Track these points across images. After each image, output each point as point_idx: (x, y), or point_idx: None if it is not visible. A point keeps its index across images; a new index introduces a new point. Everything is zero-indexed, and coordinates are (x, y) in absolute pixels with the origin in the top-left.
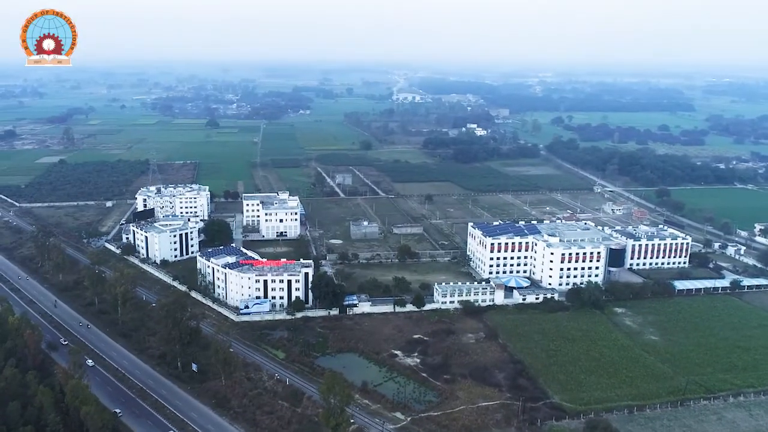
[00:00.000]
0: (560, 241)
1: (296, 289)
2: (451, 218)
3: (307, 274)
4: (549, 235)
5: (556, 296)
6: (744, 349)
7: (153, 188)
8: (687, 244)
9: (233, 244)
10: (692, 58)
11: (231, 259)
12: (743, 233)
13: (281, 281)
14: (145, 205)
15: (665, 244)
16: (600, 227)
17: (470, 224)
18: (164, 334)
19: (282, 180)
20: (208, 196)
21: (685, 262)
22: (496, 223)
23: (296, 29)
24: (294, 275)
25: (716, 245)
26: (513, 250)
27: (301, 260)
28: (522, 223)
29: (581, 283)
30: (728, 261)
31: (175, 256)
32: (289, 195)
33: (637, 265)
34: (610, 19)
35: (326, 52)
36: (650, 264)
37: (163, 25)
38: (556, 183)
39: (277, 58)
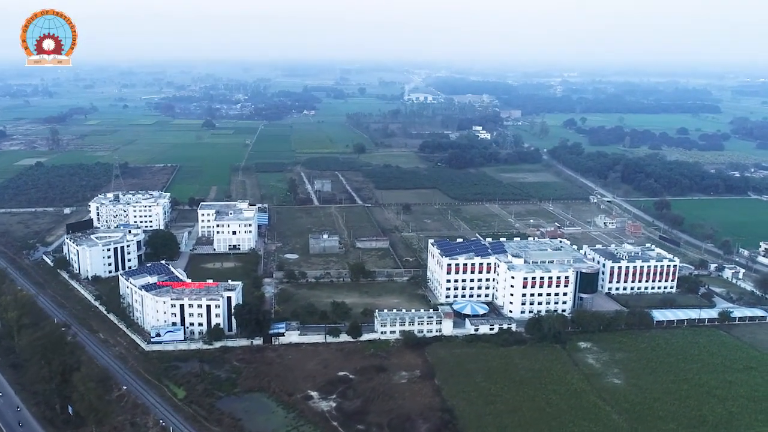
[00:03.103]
0: (525, 262)
1: (216, 315)
2: (425, 231)
3: (229, 298)
4: (513, 256)
5: (513, 327)
6: (720, 398)
7: (110, 195)
8: (674, 266)
9: (163, 262)
10: (729, 57)
11: (152, 280)
12: (746, 252)
13: (199, 306)
14: (98, 214)
15: (649, 267)
16: (575, 246)
17: (430, 241)
18: (34, 373)
19: (260, 186)
20: (167, 204)
21: (672, 287)
22: (459, 240)
23: (320, 28)
24: (214, 300)
25: (712, 266)
26: (473, 272)
27: (229, 281)
28: (488, 240)
29: (547, 311)
30: (724, 285)
31: (110, 272)
32: (258, 203)
33: (617, 289)
34: (644, 17)
35: (350, 51)
36: (632, 289)
37: (188, 25)
38: (550, 192)
39: (299, 58)
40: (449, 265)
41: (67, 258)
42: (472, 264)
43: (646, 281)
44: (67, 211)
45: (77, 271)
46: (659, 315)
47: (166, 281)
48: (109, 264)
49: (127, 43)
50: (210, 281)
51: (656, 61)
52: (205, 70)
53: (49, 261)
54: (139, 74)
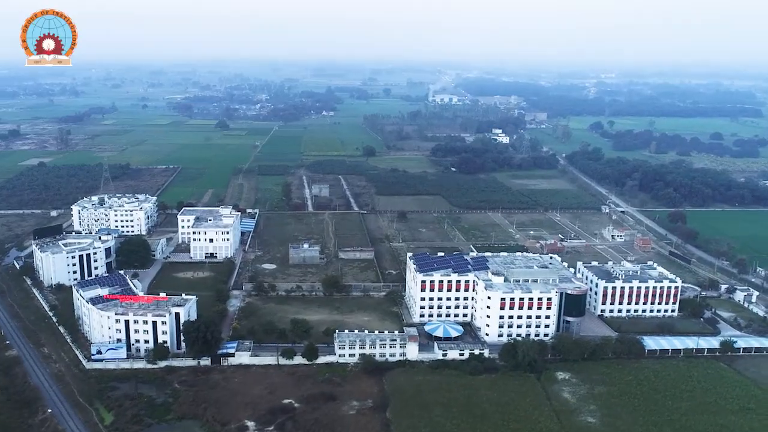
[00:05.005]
0: (505, 280)
1: (163, 333)
2: (417, 241)
3: (177, 314)
4: (494, 274)
5: (486, 352)
6: None
7: (95, 198)
8: (676, 288)
9: (121, 272)
10: None
11: (102, 292)
12: (763, 272)
13: (145, 322)
14: (80, 218)
15: (647, 288)
16: (565, 264)
17: (408, 254)
18: None
19: (258, 189)
20: (152, 208)
21: (674, 310)
22: (440, 253)
23: (353, 28)
24: (160, 316)
25: (723, 287)
26: (449, 290)
27: (183, 295)
28: (472, 254)
29: (527, 336)
30: (734, 309)
31: (75, 280)
32: (250, 208)
33: (611, 312)
34: (690, 15)
35: (383, 51)
36: (627, 311)
37: (222, 24)
38: (560, 200)
39: (330, 57)
40: (423, 281)
41: (34, 264)
42: (449, 281)
43: (644, 304)
44: (54, 213)
45: (42, 279)
46: (652, 343)
47: (116, 294)
48: (74, 272)
49: (161, 42)
50: (162, 295)
51: (700, 61)
52: (235, 70)
53: (18, 267)
54: (169, 74)
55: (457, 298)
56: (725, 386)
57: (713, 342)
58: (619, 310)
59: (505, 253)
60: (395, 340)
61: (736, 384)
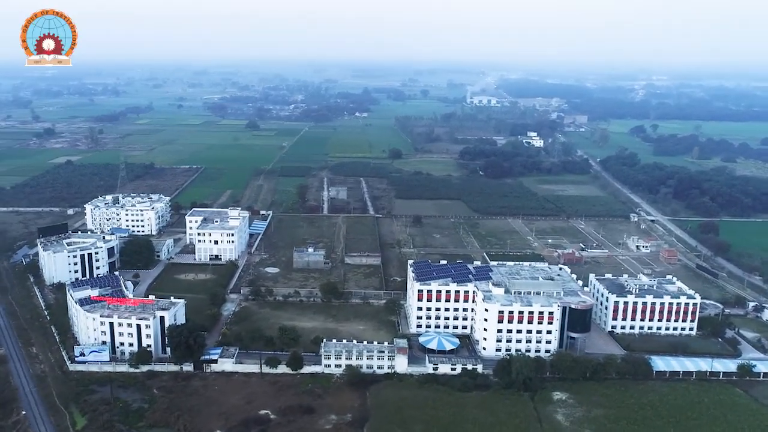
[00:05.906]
0: (506, 292)
1: (147, 336)
2: (429, 247)
3: (162, 318)
4: (494, 285)
5: (480, 368)
6: None
7: (109, 197)
8: (694, 304)
9: (116, 273)
10: None
11: (93, 293)
12: None
13: (129, 325)
14: (92, 217)
15: (662, 304)
16: (574, 275)
17: (409, 261)
18: None
19: (276, 191)
20: (164, 208)
21: (692, 329)
22: (443, 261)
23: (401, 29)
24: (144, 319)
25: (750, 305)
26: (448, 300)
27: (172, 299)
28: (476, 263)
29: (527, 351)
30: (760, 330)
31: (76, 279)
32: (265, 210)
33: (622, 328)
34: (748, 12)
35: (429, 52)
36: (640, 328)
37: (268, 24)
38: (587, 207)
39: (374, 58)
40: (420, 291)
41: (38, 263)
42: (447, 291)
43: (659, 321)
44: (71, 212)
45: (44, 277)
46: (661, 363)
47: (106, 295)
48: (76, 271)
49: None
50: (151, 298)
51: (763, 62)
52: (276, 70)
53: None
54: (211, 74)
55: (456, 309)
56: (738, 414)
57: (730, 365)
58: (631, 327)
59: (512, 263)
60: (383, 351)
61: (750, 412)
